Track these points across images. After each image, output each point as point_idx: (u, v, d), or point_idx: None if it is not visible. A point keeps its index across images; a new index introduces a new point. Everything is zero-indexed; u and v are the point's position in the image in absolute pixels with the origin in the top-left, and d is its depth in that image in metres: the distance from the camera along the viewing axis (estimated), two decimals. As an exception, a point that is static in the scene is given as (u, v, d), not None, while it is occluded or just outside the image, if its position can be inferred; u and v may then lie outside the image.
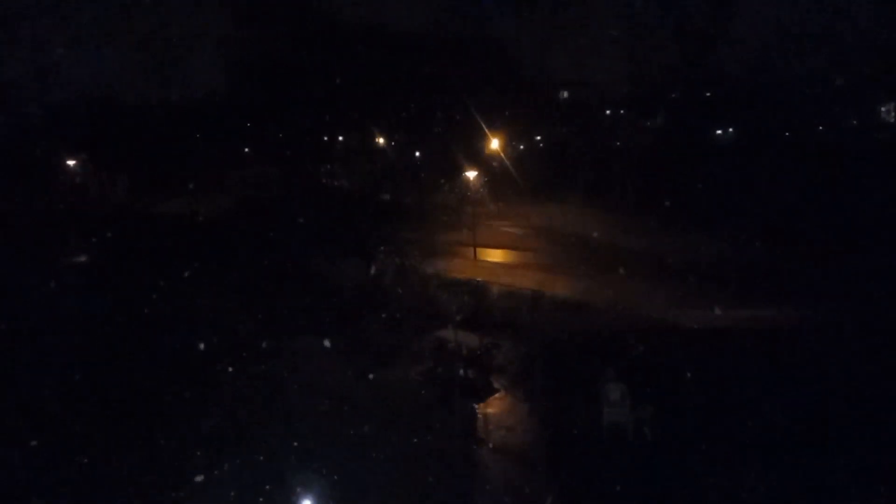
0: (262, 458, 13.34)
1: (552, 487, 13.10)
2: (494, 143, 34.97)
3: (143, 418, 14.86)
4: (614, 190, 37.46)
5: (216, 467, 13.03)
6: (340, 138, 40.98)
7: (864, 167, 29.43)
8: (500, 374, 18.28)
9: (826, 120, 36.46)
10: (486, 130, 33.79)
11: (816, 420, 13.89)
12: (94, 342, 18.68)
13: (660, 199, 31.22)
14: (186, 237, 29.47)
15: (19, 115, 38.67)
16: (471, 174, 33.07)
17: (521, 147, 42.24)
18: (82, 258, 29.61)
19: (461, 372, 17.44)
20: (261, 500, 12.33)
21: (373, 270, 26.23)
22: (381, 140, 37.66)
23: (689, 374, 15.98)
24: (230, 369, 17.01)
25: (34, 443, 13.76)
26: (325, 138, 39.97)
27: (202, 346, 17.83)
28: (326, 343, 18.76)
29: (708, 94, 38.99)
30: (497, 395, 17.52)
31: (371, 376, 17.54)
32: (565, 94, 45.31)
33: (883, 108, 36.87)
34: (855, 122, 37.36)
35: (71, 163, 40.66)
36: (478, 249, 30.16)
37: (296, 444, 13.77)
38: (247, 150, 41.48)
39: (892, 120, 36.85)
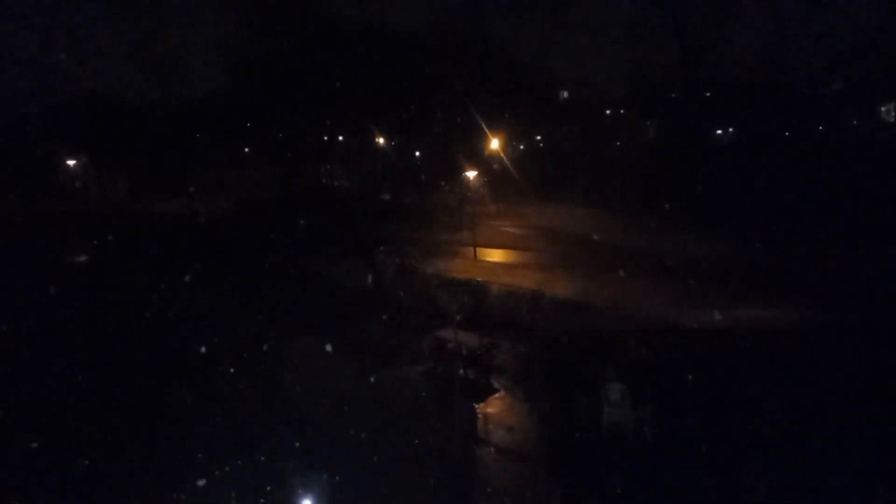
0: (262, 458, 13.36)
1: (552, 487, 13.11)
2: (494, 143, 34.93)
3: (144, 419, 14.87)
4: (614, 190, 37.42)
5: (217, 468, 13.04)
6: (340, 138, 40.90)
7: (864, 167, 29.41)
8: (500, 374, 18.32)
9: (826, 120, 36.40)
10: (486, 130, 33.75)
11: (816, 420, 13.90)
12: (94, 343, 18.68)
13: (660, 198, 31.17)
14: (186, 237, 29.46)
15: (19, 115, 38.64)
16: (471, 174, 33.05)
17: (522, 147, 42.23)
18: (82, 258, 29.60)
19: (461, 372, 17.46)
20: (262, 500, 12.35)
21: (373, 271, 26.25)
22: (381, 140, 37.58)
23: (689, 375, 15.95)
24: (231, 370, 17.03)
25: (35, 444, 13.76)
26: (325, 138, 39.88)
27: (203, 346, 17.84)
28: (327, 343, 18.78)
29: (708, 94, 38.96)
30: (497, 395, 17.57)
31: (371, 376, 17.57)
32: (565, 95, 45.28)
33: (883, 109, 36.82)
34: (855, 122, 37.34)
35: (71, 163, 40.71)
36: (478, 249, 30.18)
37: (297, 444, 13.79)
38: (247, 150, 41.44)
39: (892, 120, 36.81)
